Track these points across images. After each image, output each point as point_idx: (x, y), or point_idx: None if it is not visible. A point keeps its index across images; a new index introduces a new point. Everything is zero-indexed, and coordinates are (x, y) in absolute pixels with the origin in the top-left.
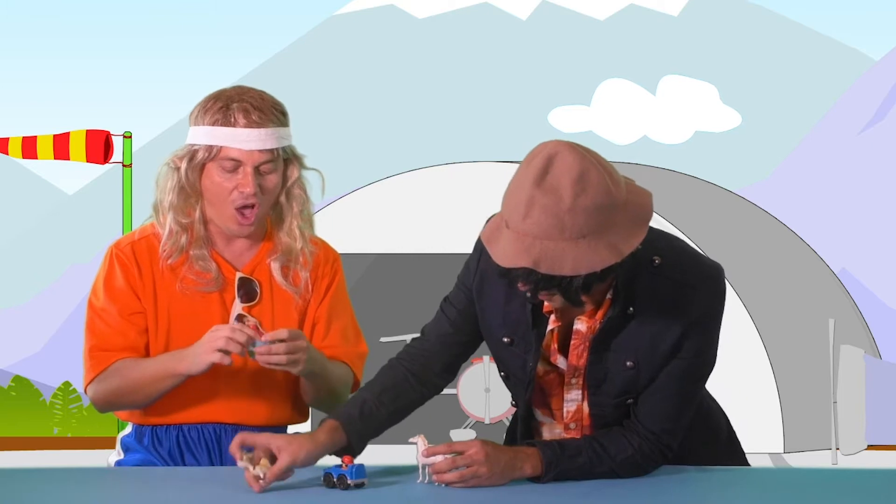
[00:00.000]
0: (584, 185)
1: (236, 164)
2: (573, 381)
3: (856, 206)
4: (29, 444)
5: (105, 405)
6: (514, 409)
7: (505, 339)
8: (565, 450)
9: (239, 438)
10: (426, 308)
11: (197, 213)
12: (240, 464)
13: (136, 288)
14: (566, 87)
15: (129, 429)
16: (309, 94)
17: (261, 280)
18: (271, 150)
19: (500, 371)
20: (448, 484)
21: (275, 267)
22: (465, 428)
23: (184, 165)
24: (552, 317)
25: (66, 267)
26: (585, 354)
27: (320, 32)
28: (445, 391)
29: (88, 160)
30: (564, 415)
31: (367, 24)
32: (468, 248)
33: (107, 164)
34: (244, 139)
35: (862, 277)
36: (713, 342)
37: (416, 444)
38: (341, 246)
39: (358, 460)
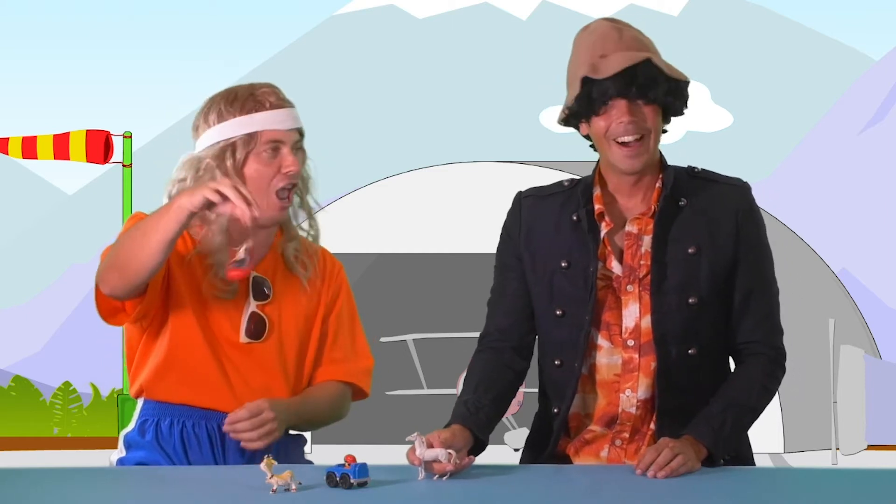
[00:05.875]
0: (626, 24)
1: (276, 146)
2: (629, 288)
3: (856, 206)
4: (29, 444)
5: (112, 280)
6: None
7: (563, 264)
8: (710, 423)
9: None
10: (426, 308)
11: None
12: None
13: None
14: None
15: (132, 425)
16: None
17: (272, 277)
18: (299, 129)
19: (556, 311)
20: (662, 475)
21: (289, 250)
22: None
23: (228, 163)
24: (603, 224)
25: (67, 267)
26: (639, 253)
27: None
28: (445, 391)
29: (88, 160)
30: (623, 331)
31: (367, 24)
32: (468, 248)
33: (107, 164)
34: (281, 119)
35: (862, 277)
36: (767, 244)
37: (413, 441)
38: (341, 246)
39: (359, 460)
